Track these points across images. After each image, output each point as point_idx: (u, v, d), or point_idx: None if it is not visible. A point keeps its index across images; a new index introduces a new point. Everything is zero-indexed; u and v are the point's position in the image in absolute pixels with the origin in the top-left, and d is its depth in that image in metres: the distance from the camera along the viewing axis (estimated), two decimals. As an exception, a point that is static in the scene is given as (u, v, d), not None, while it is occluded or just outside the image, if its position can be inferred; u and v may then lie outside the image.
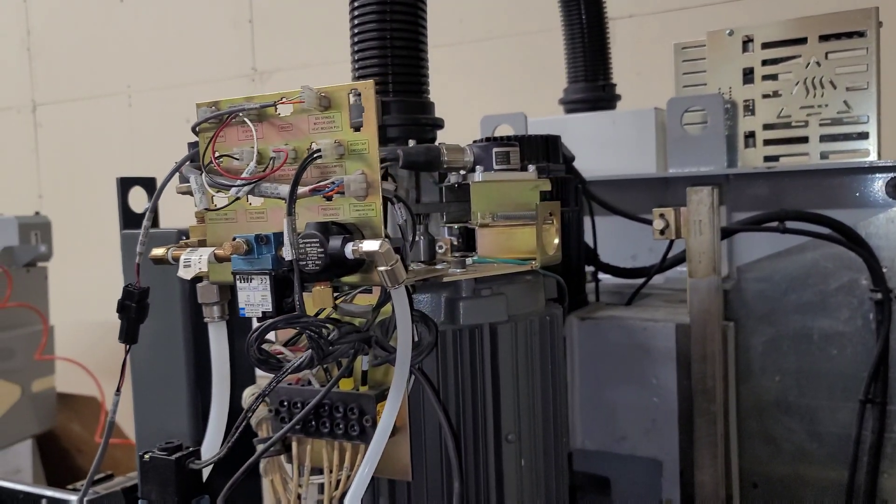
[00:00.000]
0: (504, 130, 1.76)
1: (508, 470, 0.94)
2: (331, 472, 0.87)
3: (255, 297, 0.78)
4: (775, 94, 1.63)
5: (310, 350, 0.78)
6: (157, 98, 3.68)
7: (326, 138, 0.79)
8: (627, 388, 1.28)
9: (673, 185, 1.67)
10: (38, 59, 4.06)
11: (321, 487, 0.89)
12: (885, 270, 1.28)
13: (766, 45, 1.63)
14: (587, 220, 1.44)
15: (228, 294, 0.90)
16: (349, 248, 0.75)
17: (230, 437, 0.84)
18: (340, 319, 0.83)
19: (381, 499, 0.93)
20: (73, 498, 1.35)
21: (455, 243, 0.98)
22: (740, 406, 1.37)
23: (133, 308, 0.90)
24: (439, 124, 1.04)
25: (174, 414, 1.19)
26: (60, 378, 2.64)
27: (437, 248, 0.97)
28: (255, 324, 0.78)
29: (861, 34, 1.54)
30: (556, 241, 0.95)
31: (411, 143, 0.95)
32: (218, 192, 0.84)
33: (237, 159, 0.83)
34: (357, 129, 0.78)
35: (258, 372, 0.89)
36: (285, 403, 0.88)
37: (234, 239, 0.79)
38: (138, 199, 1.26)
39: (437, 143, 0.96)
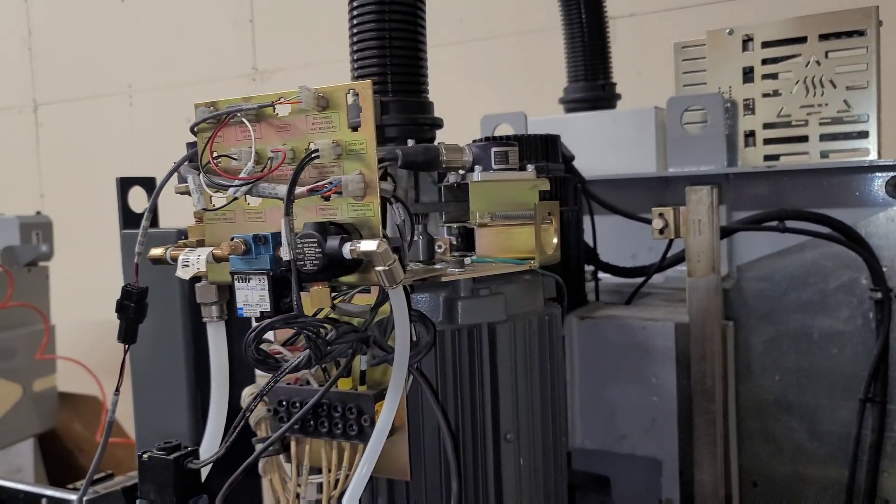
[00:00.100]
0: (504, 130, 1.76)
1: (507, 469, 0.94)
2: (329, 471, 0.87)
3: (253, 297, 0.78)
4: (775, 93, 1.63)
5: (308, 350, 0.78)
6: (158, 98, 3.69)
7: (324, 138, 0.78)
8: (627, 388, 1.28)
9: (673, 185, 1.67)
10: (39, 58, 4.06)
11: (320, 487, 0.89)
12: (885, 269, 1.28)
13: (766, 45, 1.63)
14: (587, 220, 1.44)
15: (227, 294, 0.90)
16: (347, 248, 0.75)
17: (229, 436, 0.85)
18: (338, 319, 0.83)
19: (380, 498, 0.93)
20: (74, 497, 1.35)
21: (454, 243, 0.98)
22: (740, 405, 1.37)
23: (132, 308, 0.90)
24: (438, 124, 1.04)
25: (174, 413, 1.19)
26: (62, 377, 2.65)
27: (435, 247, 0.97)
28: (254, 323, 0.79)
29: (861, 33, 1.54)
30: (555, 240, 0.95)
31: (410, 142, 0.95)
32: (216, 192, 0.83)
33: (235, 159, 0.83)
34: (355, 129, 0.78)
35: (257, 371, 0.89)
36: (284, 403, 0.88)
37: (232, 239, 0.79)
38: (138, 199, 1.26)
39: (435, 143, 0.96)
